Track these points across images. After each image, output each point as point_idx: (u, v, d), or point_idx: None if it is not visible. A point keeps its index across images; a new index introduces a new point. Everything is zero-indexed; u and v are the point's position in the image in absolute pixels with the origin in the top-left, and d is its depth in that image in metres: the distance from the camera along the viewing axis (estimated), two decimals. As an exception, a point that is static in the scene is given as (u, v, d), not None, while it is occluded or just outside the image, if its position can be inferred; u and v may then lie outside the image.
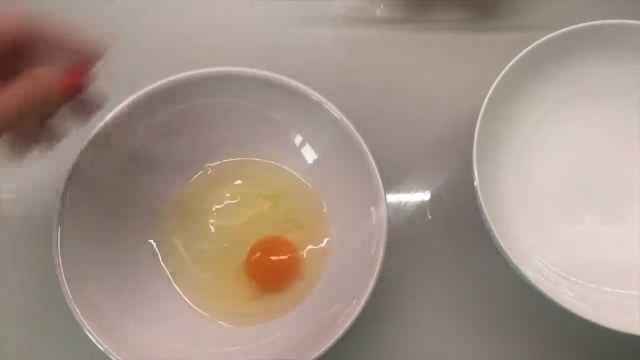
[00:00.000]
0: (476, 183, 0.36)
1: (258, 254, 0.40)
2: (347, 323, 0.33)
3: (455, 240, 0.42)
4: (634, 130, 0.43)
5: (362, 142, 0.37)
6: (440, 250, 0.42)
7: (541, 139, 0.43)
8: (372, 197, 0.36)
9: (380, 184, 0.36)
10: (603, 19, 0.48)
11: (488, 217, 0.36)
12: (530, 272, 0.35)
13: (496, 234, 0.35)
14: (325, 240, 0.40)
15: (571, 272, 0.39)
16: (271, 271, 0.40)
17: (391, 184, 0.43)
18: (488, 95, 0.38)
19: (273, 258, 0.40)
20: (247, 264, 0.39)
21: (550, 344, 0.40)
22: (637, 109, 0.43)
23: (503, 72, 0.39)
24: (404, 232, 0.42)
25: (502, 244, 0.35)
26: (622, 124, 0.43)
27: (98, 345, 0.33)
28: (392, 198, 0.43)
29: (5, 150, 0.31)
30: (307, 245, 0.40)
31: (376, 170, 0.36)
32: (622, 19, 0.48)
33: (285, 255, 0.40)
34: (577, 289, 0.39)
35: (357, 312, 0.33)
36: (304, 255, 0.40)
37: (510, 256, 0.35)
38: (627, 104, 0.43)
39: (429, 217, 0.43)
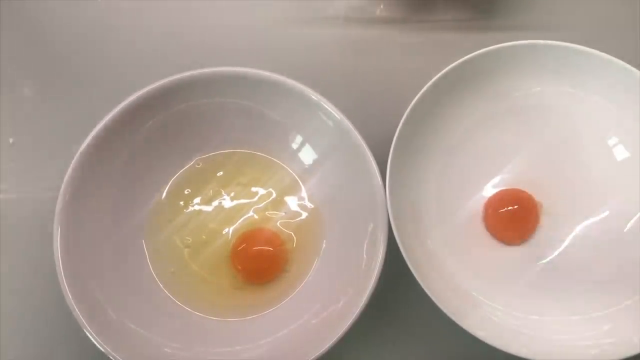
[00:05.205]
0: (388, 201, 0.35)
1: (244, 245, 0.39)
2: (348, 323, 0.33)
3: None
4: (559, 153, 0.40)
5: (362, 142, 0.37)
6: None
7: (463, 157, 0.41)
8: (372, 197, 0.36)
9: (381, 184, 0.36)
10: (601, 19, 0.48)
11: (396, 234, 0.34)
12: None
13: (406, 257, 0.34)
14: (320, 236, 0.40)
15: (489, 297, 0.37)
16: (256, 263, 0.39)
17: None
18: (408, 111, 0.37)
19: (259, 249, 0.39)
20: (232, 254, 0.39)
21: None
22: (565, 131, 0.40)
23: (422, 91, 0.37)
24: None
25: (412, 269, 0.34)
26: (546, 145, 0.41)
27: (98, 345, 0.33)
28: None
29: None
30: (296, 240, 0.40)
31: (376, 170, 0.36)
32: (620, 19, 0.48)
33: (271, 247, 0.39)
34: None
35: (357, 311, 0.33)
36: (294, 248, 0.40)
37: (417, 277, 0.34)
38: (554, 125, 0.40)
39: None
